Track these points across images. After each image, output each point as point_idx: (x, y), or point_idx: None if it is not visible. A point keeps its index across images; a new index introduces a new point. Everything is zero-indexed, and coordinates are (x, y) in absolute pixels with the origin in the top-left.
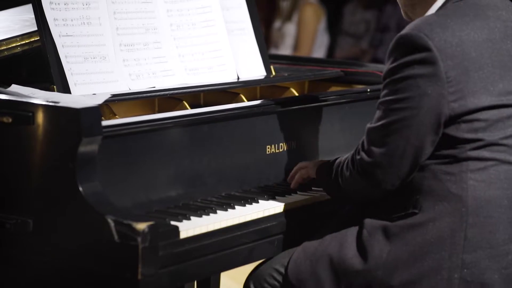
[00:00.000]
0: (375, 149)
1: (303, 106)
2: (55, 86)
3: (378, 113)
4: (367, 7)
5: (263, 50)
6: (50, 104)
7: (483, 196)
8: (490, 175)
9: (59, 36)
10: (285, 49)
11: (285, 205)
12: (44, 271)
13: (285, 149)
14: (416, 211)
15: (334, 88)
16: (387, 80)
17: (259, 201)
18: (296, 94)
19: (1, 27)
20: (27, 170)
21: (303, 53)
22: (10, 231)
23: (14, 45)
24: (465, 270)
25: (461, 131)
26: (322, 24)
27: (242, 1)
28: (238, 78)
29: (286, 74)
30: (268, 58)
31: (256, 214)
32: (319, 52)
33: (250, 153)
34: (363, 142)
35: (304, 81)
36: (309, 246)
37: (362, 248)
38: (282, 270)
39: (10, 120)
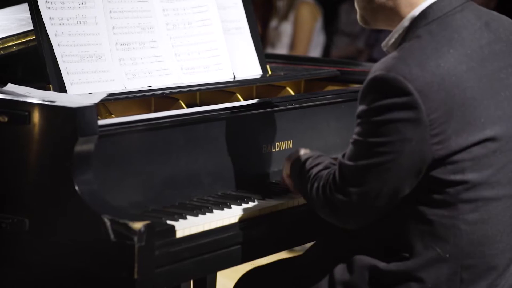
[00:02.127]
0: (350, 188)
1: (299, 105)
2: (51, 85)
3: (353, 150)
4: None
5: (259, 49)
6: (46, 103)
7: (477, 238)
8: (483, 215)
9: (55, 35)
10: (282, 48)
11: (281, 205)
12: (41, 270)
13: (281, 148)
14: (407, 255)
15: (330, 87)
16: (364, 119)
17: (255, 200)
18: (292, 93)
19: None
20: (23, 170)
21: (299, 52)
22: (6, 230)
23: (10, 44)
24: None
25: (447, 173)
26: (319, 24)
27: (238, 0)
28: (234, 77)
29: (282, 73)
30: (264, 57)
31: (253, 213)
32: (315, 51)
33: (246, 152)
34: (334, 176)
35: (300, 80)
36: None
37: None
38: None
39: (6, 119)
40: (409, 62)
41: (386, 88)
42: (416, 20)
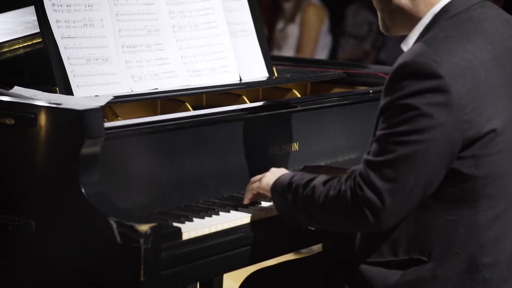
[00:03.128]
0: (383, 185)
1: (306, 107)
2: (57, 88)
3: (380, 146)
4: (369, 8)
5: (266, 51)
6: (53, 105)
7: (495, 233)
8: (502, 209)
9: (62, 38)
10: (288, 51)
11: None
12: (47, 272)
13: (287, 150)
14: (424, 258)
15: (336, 90)
16: (391, 111)
17: (262, 202)
18: (299, 96)
19: (4, 29)
20: (30, 172)
21: (306, 54)
22: (13, 232)
23: (16, 47)
24: None
25: (472, 167)
26: (325, 26)
27: (245, 3)
28: (241, 80)
29: (288, 76)
30: (270, 60)
31: (259, 216)
32: (322, 53)
33: (252, 154)
34: (362, 176)
35: (306, 82)
36: None
37: None
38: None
39: (13, 121)
40: (437, 47)
41: (416, 73)
42: (437, 16)
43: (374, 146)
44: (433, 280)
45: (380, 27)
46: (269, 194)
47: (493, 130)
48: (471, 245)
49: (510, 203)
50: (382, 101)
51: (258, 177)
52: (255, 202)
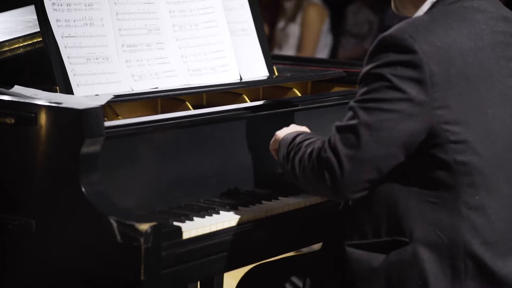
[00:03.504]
0: (343, 151)
1: (306, 106)
2: (57, 87)
3: (351, 112)
4: (370, 7)
5: (266, 50)
6: (53, 105)
7: (478, 224)
8: (484, 200)
9: (62, 37)
10: (289, 50)
11: (288, 206)
12: (47, 271)
13: None
14: (406, 239)
15: (337, 89)
16: (366, 78)
17: (262, 201)
18: (299, 95)
19: (4, 28)
20: (30, 171)
21: (306, 53)
22: (13, 232)
23: (16, 46)
24: None
25: (451, 152)
26: (326, 25)
27: (245, 2)
28: (241, 79)
29: (289, 75)
30: (270, 59)
31: (259, 215)
32: (323, 52)
33: (252, 153)
34: (330, 140)
35: (307, 81)
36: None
37: None
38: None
39: (13, 121)
40: (417, 25)
41: (392, 46)
42: (434, 4)
43: (348, 112)
44: (414, 262)
45: (392, 6)
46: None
47: (465, 119)
48: (454, 231)
49: (493, 194)
50: (361, 72)
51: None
52: (255, 201)
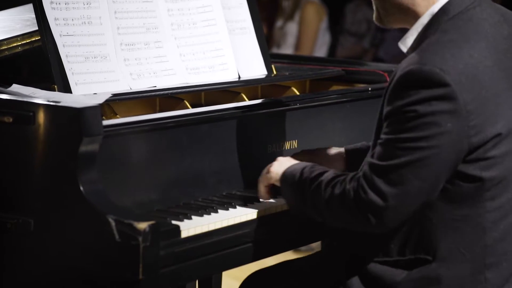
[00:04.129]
0: (388, 190)
1: (304, 105)
2: (56, 86)
3: (385, 151)
4: (368, 6)
5: (264, 49)
6: (51, 103)
7: (499, 235)
8: (507, 211)
9: (60, 35)
10: (287, 48)
11: (286, 204)
12: (45, 270)
13: (286, 148)
14: (429, 257)
15: (335, 87)
16: (397, 116)
17: (260, 200)
18: (297, 93)
19: (2, 27)
20: (28, 170)
21: (305, 52)
22: (11, 231)
23: (15, 44)
24: None
25: (477, 169)
26: (324, 23)
27: (243, 0)
28: (239, 77)
29: (287, 73)
30: (269, 57)
31: (258, 213)
32: (321, 51)
33: (251, 152)
34: (366, 178)
35: (305, 80)
36: None
37: None
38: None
39: (11, 120)
40: (442, 54)
41: (423, 81)
42: (436, 16)
43: (379, 149)
44: (436, 281)
45: (374, 18)
46: (278, 184)
47: (498, 134)
48: (476, 246)
49: None
50: (387, 107)
51: (267, 168)
52: (254, 199)
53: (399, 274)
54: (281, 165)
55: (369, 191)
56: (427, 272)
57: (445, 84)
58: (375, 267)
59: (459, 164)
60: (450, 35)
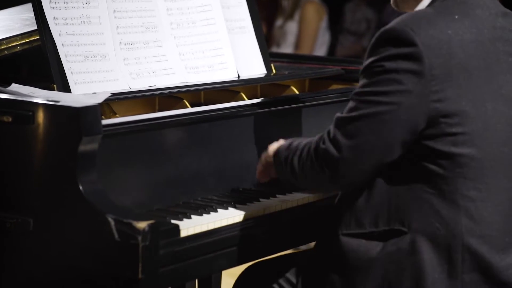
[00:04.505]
0: (343, 141)
1: (304, 104)
2: (55, 85)
3: (351, 103)
4: (368, 5)
5: (264, 48)
6: (50, 103)
7: (477, 217)
8: (482, 193)
9: (59, 35)
10: (287, 47)
11: (285, 204)
12: (44, 270)
13: None
14: (405, 229)
15: (335, 86)
16: (366, 72)
17: (260, 199)
18: (297, 92)
19: (1, 26)
20: (27, 169)
21: (304, 51)
22: (10, 230)
23: (14, 44)
24: None
25: (448, 144)
26: (324, 22)
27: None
28: (239, 77)
29: (286, 72)
30: (268, 56)
31: (257, 213)
32: (321, 50)
33: (250, 151)
34: (329, 132)
35: (304, 79)
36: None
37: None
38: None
39: (10, 119)
40: (419, 18)
41: (393, 39)
42: (435, 0)
43: (349, 103)
44: (412, 252)
45: (391, 2)
46: (271, 159)
47: (464, 111)
48: (452, 223)
49: (490, 187)
50: (363, 64)
51: (265, 153)
52: (253, 198)
53: (374, 248)
54: (278, 143)
55: (327, 141)
56: (402, 244)
57: (412, 44)
58: (348, 242)
59: (417, 132)
60: (435, 8)
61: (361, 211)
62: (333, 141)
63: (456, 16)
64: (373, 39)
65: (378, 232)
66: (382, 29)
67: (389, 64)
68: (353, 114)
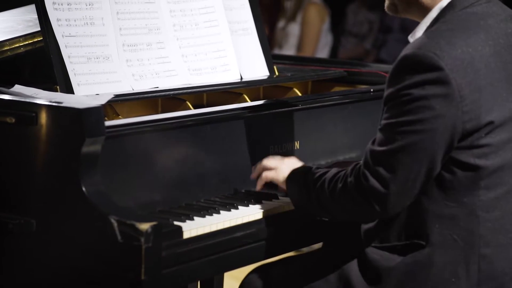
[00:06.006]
0: (388, 176)
1: (306, 106)
2: (58, 87)
3: (383, 136)
4: (370, 7)
5: (266, 50)
6: (53, 104)
7: (493, 226)
8: (501, 203)
9: (62, 36)
10: (289, 49)
11: (288, 205)
12: (47, 271)
13: (288, 149)
14: (422, 243)
15: (337, 88)
16: (394, 101)
17: (262, 201)
18: (299, 94)
19: (4, 28)
20: (30, 170)
21: (307, 53)
22: (13, 231)
23: (17, 45)
24: None
25: (472, 156)
26: (326, 24)
27: (245, 2)
28: (241, 78)
29: (289, 74)
30: (271, 58)
31: (260, 215)
32: (323, 52)
33: (253, 153)
34: (368, 167)
35: (307, 81)
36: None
37: None
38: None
39: (13, 120)
40: (438, 40)
41: (417, 65)
42: (443, 11)
43: (378, 135)
44: (428, 266)
45: (386, 7)
46: (283, 186)
47: (491, 122)
48: (469, 235)
49: (509, 196)
50: (385, 92)
51: (272, 164)
52: (255, 201)
53: (394, 259)
54: (288, 168)
55: (370, 178)
56: (420, 257)
57: (438, 68)
58: (373, 252)
59: (453, 149)
60: (449, 25)
61: (385, 226)
62: (378, 177)
63: (472, 31)
64: (394, 65)
65: (401, 246)
66: (403, 55)
67: (417, 91)
68: (392, 147)
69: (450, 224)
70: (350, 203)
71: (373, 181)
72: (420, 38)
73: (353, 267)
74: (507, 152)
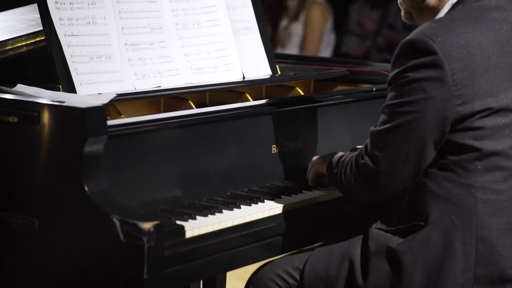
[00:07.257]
0: (378, 153)
1: (309, 105)
2: (60, 86)
3: (382, 117)
4: (372, 6)
5: (269, 49)
6: (56, 103)
7: (492, 209)
8: (499, 186)
9: (65, 35)
10: (292, 49)
11: (290, 205)
12: (49, 270)
13: (290, 148)
14: (422, 223)
15: (339, 88)
16: (392, 85)
17: (265, 200)
18: (302, 94)
19: (7, 27)
20: (33, 170)
21: (309, 52)
22: (16, 230)
23: (19, 44)
24: (476, 286)
25: (468, 138)
26: (329, 24)
27: (248, 1)
28: (244, 78)
29: (291, 74)
30: (273, 58)
31: (262, 214)
32: (326, 51)
33: (255, 152)
34: (366, 146)
35: (309, 80)
36: (317, 263)
37: (366, 271)
38: (284, 276)
39: (16, 119)
40: (435, 26)
41: (414, 50)
42: (454, 6)
43: (381, 116)
44: (425, 246)
45: (403, 17)
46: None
47: (488, 109)
48: (467, 216)
49: (509, 180)
50: (388, 77)
51: (316, 160)
52: (258, 199)
53: (395, 240)
54: (327, 157)
55: (365, 156)
56: (420, 237)
57: (432, 53)
58: (376, 233)
59: (446, 133)
60: (452, 16)
61: (389, 209)
62: (370, 155)
63: (472, 21)
64: (395, 52)
65: (403, 228)
66: (403, 41)
67: (412, 75)
68: (385, 126)
69: (448, 205)
70: (351, 180)
71: (366, 159)
72: (421, 25)
73: (356, 245)
74: (505, 138)
